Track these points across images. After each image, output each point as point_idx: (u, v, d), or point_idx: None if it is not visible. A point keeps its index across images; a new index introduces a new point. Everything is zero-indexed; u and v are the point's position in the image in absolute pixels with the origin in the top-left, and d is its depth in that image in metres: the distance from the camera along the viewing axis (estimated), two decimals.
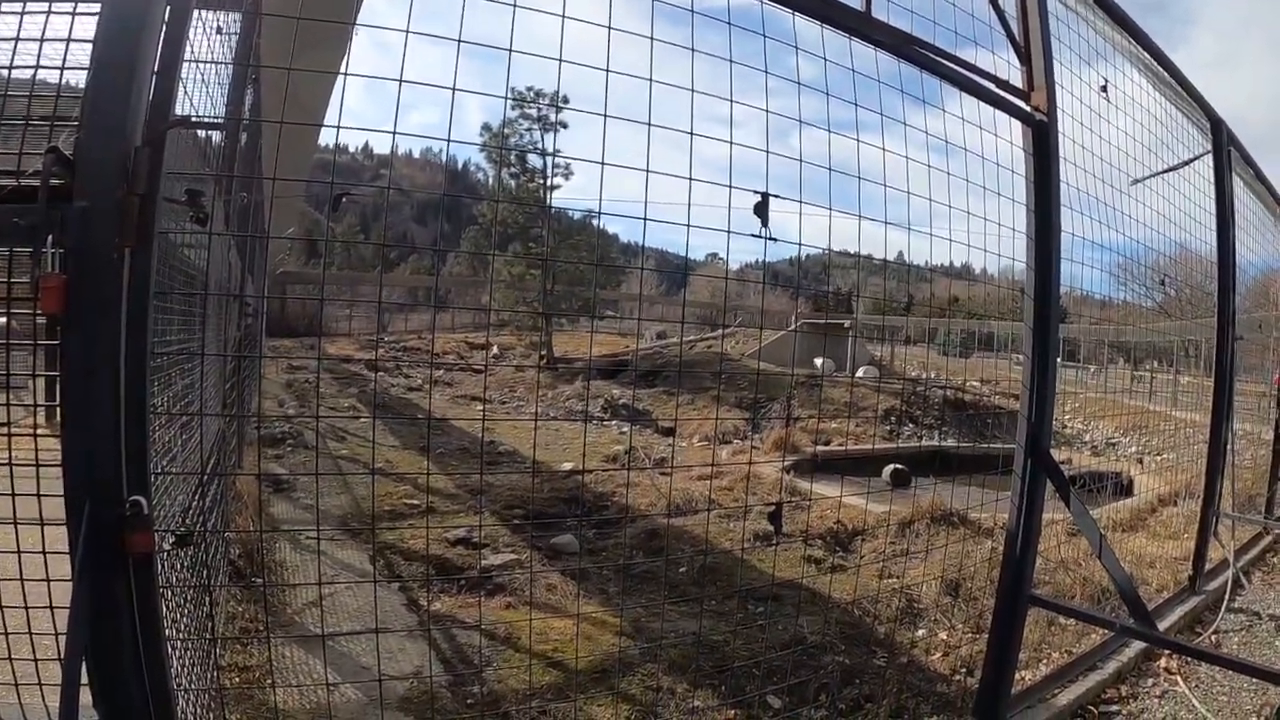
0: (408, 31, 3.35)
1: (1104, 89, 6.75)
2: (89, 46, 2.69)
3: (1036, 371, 5.47)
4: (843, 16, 4.56)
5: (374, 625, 6.67)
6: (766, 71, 4.32)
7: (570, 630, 7.05)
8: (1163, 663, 6.85)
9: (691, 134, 4.07)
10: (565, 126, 37.15)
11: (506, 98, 4.93)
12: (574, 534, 10.34)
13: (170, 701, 2.98)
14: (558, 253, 37.06)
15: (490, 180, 46.45)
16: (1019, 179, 5.53)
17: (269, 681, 5.77)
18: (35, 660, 3.38)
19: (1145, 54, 7.20)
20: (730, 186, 4.13)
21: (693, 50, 4.02)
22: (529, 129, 39.94)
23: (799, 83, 4.50)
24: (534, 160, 38.91)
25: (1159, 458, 17.09)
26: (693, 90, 3.99)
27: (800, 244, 4.76)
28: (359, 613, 7.42)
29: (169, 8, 2.75)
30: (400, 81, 3.29)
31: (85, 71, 2.70)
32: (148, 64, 2.68)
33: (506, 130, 38.21)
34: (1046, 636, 7.04)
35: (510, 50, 3.51)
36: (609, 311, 51.03)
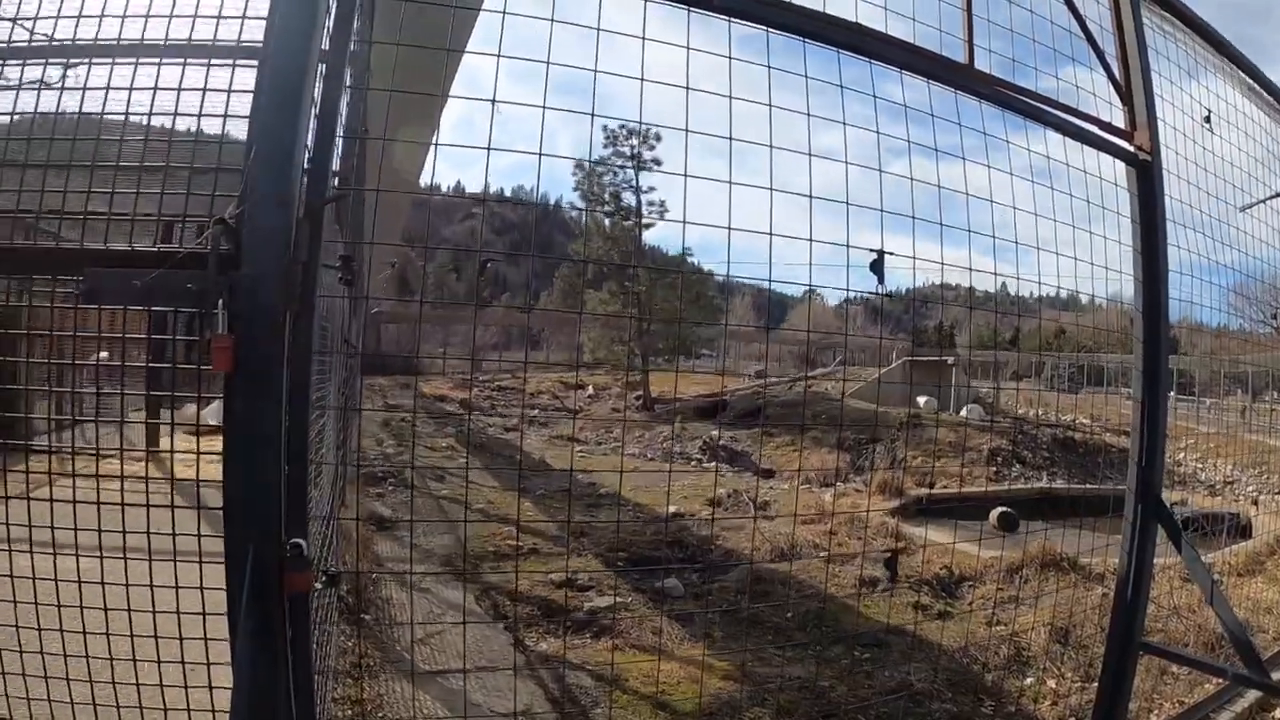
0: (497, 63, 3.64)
1: (1207, 119, 6.75)
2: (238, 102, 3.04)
3: (1147, 415, 5.50)
4: (948, 74, 4.74)
5: (481, 664, 6.94)
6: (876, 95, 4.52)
7: (677, 673, 7.22)
8: (1278, 714, 6.74)
9: (810, 155, 4.28)
10: (659, 164, 37.71)
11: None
12: (679, 578, 10.51)
13: None
14: (653, 291, 37.46)
15: (584, 218, 47.13)
16: (1125, 199, 5.60)
17: (380, 716, 6.06)
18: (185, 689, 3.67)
19: (1245, 76, 7.18)
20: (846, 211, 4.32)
21: (806, 76, 4.24)
22: (622, 166, 40.51)
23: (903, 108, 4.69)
24: (628, 197, 39.47)
25: (1278, 496, 16.59)
26: (807, 114, 4.21)
27: (909, 279, 4.92)
28: (467, 651, 7.69)
29: (321, 88, 3.07)
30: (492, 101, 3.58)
31: (244, 143, 3.05)
32: (303, 141, 3.00)
33: (600, 168, 38.85)
34: (1158, 686, 6.97)
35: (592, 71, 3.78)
36: (705, 350, 51.22)
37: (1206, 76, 6.88)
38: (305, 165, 3.01)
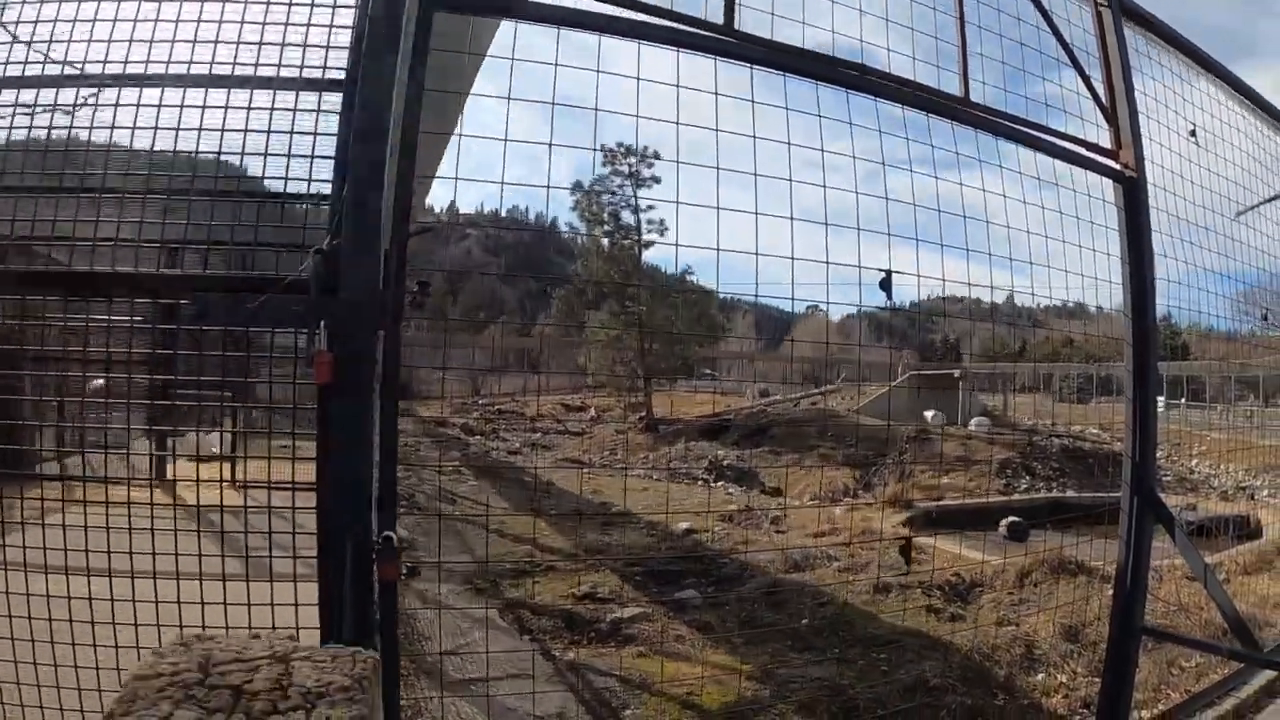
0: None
1: (1193, 133, 7.20)
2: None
3: (1139, 413, 5.98)
4: (946, 106, 5.28)
5: (512, 672, 7.40)
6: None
7: (702, 676, 7.68)
8: None
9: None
10: (658, 181, 38.22)
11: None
12: (696, 589, 10.97)
13: (398, 711, 3.72)
14: (654, 311, 37.93)
15: (582, 238, 47.60)
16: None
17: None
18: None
19: (1229, 87, 7.64)
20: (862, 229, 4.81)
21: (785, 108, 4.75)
22: (620, 185, 40.95)
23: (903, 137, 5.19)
24: (627, 217, 39.96)
25: None
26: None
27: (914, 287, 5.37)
28: (496, 661, 8.12)
29: (403, 128, 3.57)
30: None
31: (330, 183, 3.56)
32: (389, 179, 3.49)
33: (598, 187, 39.35)
34: (1165, 678, 7.39)
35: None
36: (706, 370, 51.59)
37: (1191, 92, 7.35)
38: (391, 201, 3.50)
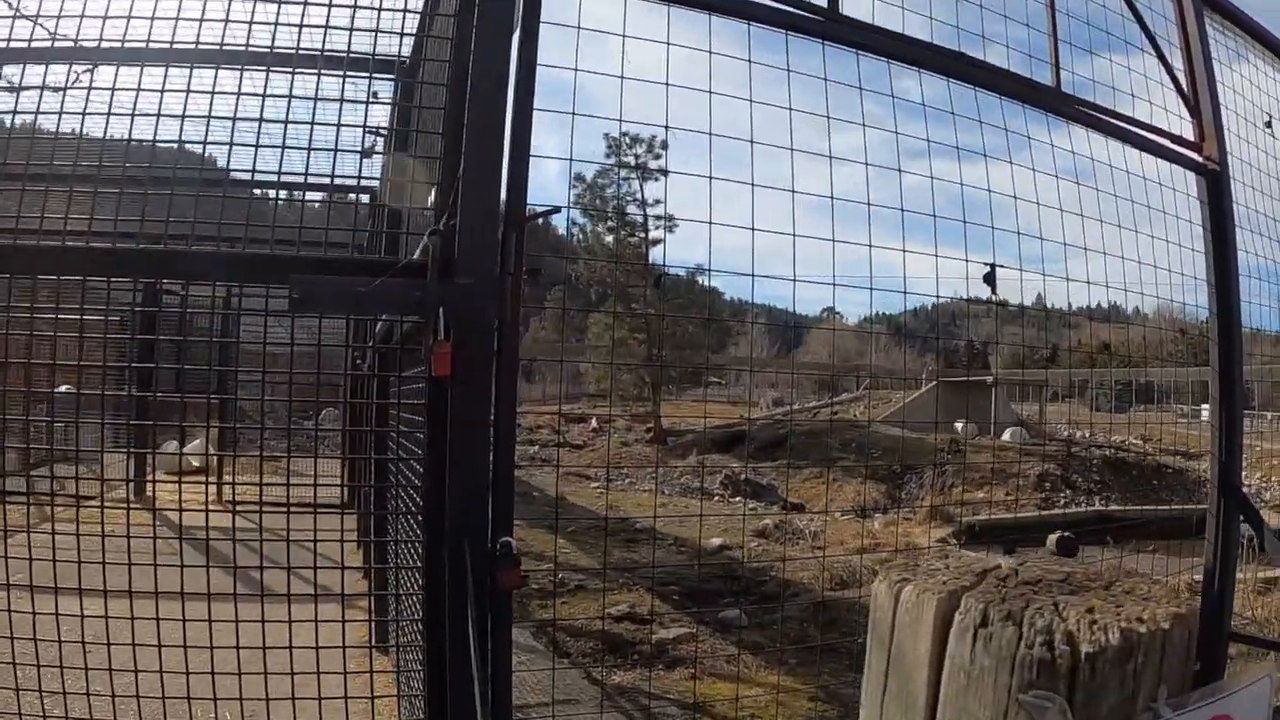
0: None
1: (1269, 124, 7.28)
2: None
3: (1224, 414, 6.03)
4: (1038, 96, 5.35)
5: (557, 697, 7.41)
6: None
7: (760, 697, 7.70)
8: None
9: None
10: (665, 174, 38.09)
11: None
12: (737, 607, 11.00)
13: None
14: (662, 312, 37.85)
15: (578, 237, 47.42)
16: (1170, 204, 6.14)
17: None
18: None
19: None
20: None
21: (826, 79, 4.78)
22: (626, 178, 40.80)
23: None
24: (633, 212, 39.87)
25: None
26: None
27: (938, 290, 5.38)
28: (538, 687, 8.12)
29: (514, 108, 3.58)
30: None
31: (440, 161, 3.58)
32: (503, 160, 3.51)
33: (602, 180, 39.28)
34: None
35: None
36: (714, 378, 51.51)
37: (1268, 83, 7.42)
38: (506, 182, 3.51)
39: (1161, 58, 6.09)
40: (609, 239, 41.16)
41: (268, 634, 3.72)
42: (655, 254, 44.76)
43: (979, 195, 5.26)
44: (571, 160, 4.07)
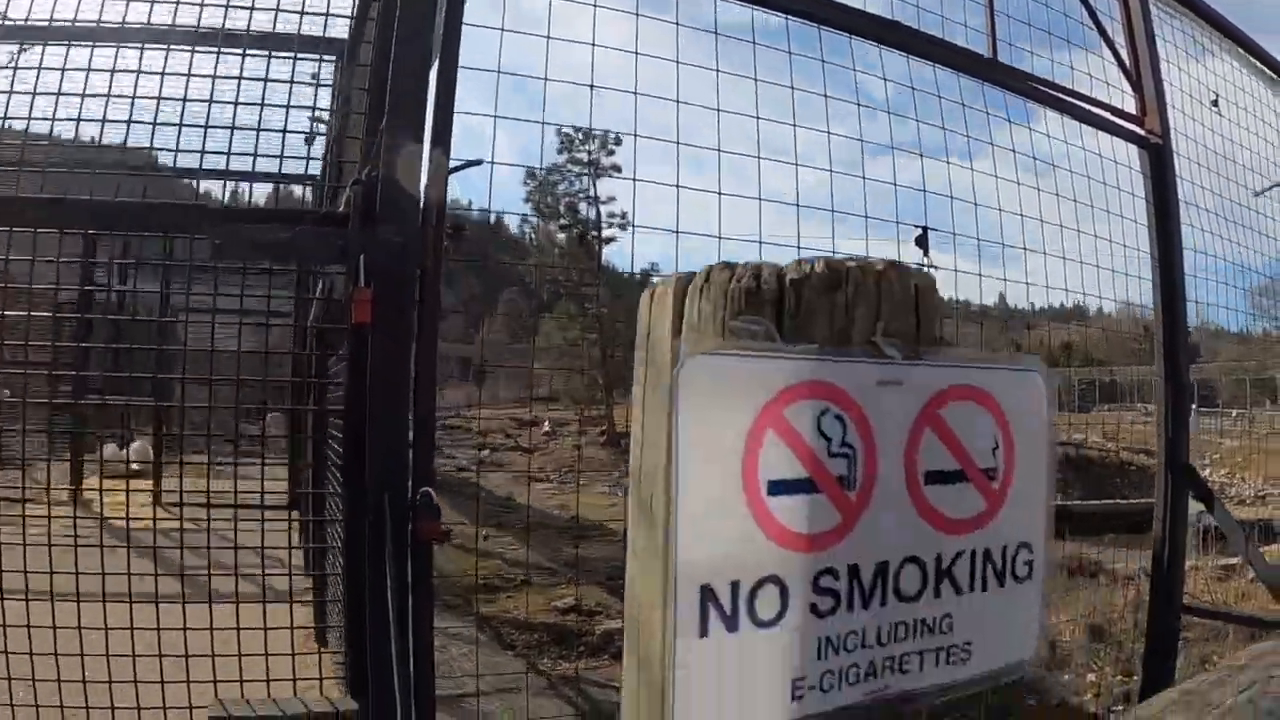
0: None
1: (1214, 103, 7.40)
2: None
3: (1170, 391, 6.18)
4: (975, 66, 5.42)
5: (500, 687, 7.39)
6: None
7: None
8: None
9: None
10: (619, 170, 37.93)
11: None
12: None
13: (431, 685, 3.73)
14: (616, 313, 37.67)
15: (530, 235, 47.18)
16: (1129, 207, 6.26)
17: None
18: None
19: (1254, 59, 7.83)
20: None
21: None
22: (579, 174, 40.56)
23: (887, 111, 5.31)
24: (584, 209, 39.61)
25: None
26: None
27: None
28: (483, 677, 8.06)
29: (438, 69, 3.60)
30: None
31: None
32: (428, 118, 3.52)
33: (553, 177, 38.99)
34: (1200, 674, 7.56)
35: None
36: None
37: (1213, 60, 7.53)
38: (430, 138, 3.52)
39: (1102, 32, 6.22)
40: (561, 236, 41.03)
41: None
42: (608, 252, 44.60)
43: (940, 194, 5.36)
44: (496, 118, 4.05)
